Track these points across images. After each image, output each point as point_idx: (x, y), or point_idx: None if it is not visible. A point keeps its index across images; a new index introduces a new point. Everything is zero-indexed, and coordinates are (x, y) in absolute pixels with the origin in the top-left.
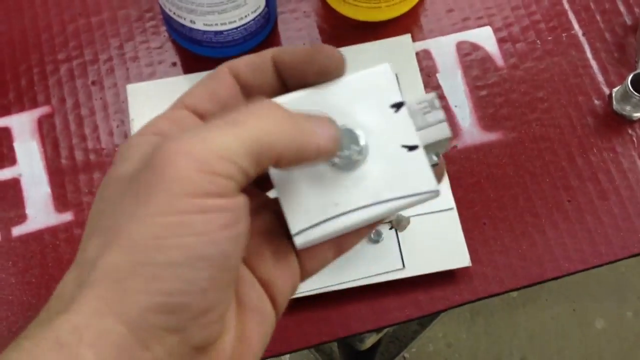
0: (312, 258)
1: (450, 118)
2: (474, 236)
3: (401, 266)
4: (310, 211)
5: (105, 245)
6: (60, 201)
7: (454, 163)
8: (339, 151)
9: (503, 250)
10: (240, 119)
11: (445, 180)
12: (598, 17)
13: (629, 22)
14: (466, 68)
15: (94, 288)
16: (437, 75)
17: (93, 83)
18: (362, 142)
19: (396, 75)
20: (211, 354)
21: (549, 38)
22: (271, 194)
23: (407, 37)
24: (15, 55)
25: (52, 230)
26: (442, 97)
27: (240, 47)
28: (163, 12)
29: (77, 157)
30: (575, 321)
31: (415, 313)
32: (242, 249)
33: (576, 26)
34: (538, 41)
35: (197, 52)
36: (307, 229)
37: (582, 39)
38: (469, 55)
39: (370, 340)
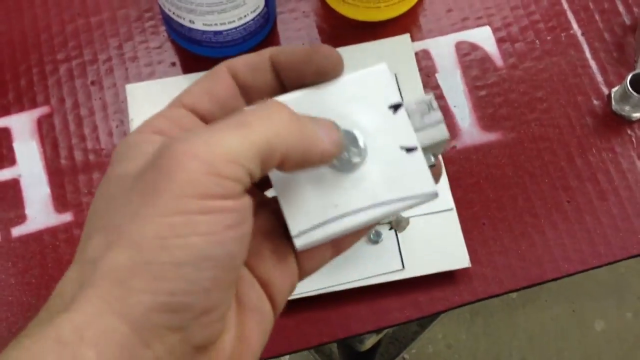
0: (310, 258)
1: (450, 118)
2: (474, 237)
3: (401, 267)
4: (310, 213)
5: (108, 244)
6: (60, 201)
7: (454, 163)
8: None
9: (502, 251)
10: (249, 121)
11: (445, 181)
12: (597, 17)
13: (627, 22)
14: (465, 68)
15: (96, 287)
16: (436, 75)
17: (92, 83)
18: (361, 143)
19: (395, 75)
20: (211, 353)
21: (548, 38)
22: (269, 193)
23: (406, 37)
24: (15, 56)
25: (52, 231)
26: (441, 97)
27: (240, 47)
28: (162, 12)
29: (77, 157)
30: (575, 322)
31: (415, 314)
32: (246, 249)
33: (575, 26)
34: (537, 41)
35: (196, 52)
36: (307, 230)
37: (581, 39)
38: (468, 55)
39: (370, 341)
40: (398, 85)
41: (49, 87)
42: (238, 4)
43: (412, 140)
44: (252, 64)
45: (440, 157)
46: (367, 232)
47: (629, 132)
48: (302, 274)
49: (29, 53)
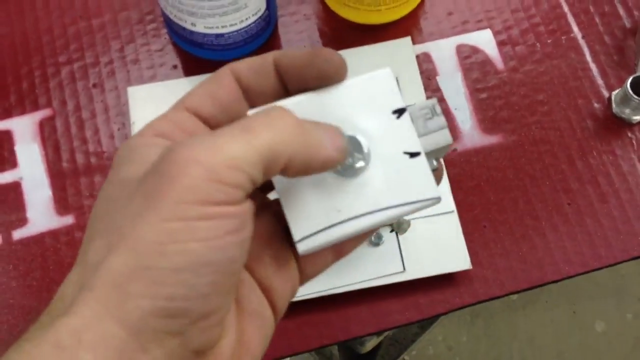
0: (312, 262)
1: (451, 121)
2: (474, 239)
3: (402, 269)
4: (313, 218)
5: (109, 248)
6: (62, 204)
7: (454, 166)
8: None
9: (503, 253)
10: (251, 127)
11: (446, 183)
12: (597, 20)
13: (628, 25)
14: (466, 71)
15: (94, 291)
16: (437, 78)
17: (94, 86)
18: (365, 149)
19: (397, 79)
20: (210, 358)
21: (549, 41)
22: (271, 195)
23: (407, 40)
24: (17, 58)
25: (53, 234)
26: (442, 100)
27: (241, 50)
28: (164, 14)
29: (78, 160)
30: (575, 323)
31: (415, 316)
32: (246, 254)
33: (575, 29)
34: (538, 44)
35: (197, 55)
36: (310, 235)
37: (582, 42)
38: (469, 58)
39: (370, 344)
40: (399, 88)
41: (51, 89)
42: (239, 7)
43: (416, 145)
44: (255, 68)
45: (441, 160)
46: (368, 237)
47: (629, 134)
48: (304, 279)
49: (31, 56)
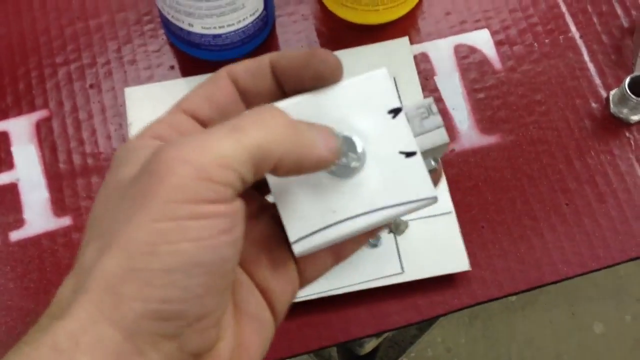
0: (311, 265)
1: (448, 121)
2: (472, 240)
3: (400, 270)
4: (309, 219)
5: (102, 250)
6: (59, 205)
7: (452, 166)
8: (339, 159)
9: (501, 254)
10: (241, 125)
11: (444, 184)
12: (595, 20)
13: (625, 24)
14: (464, 71)
15: (88, 294)
16: (435, 78)
17: (91, 86)
18: (359, 149)
19: (394, 79)
20: None
21: (546, 41)
22: (270, 197)
23: (404, 40)
24: (14, 59)
25: (51, 235)
26: (439, 100)
27: (239, 50)
28: (161, 15)
29: (75, 161)
30: (574, 325)
31: (414, 317)
32: (238, 253)
33: (573, 29)
34: (535, 44)
35: (195, 55)
36: (305, 236)
37: (579, 42)
38: (467, 58)
39: (370, 345)
40: (397, 89)
41: (48, 90)
42: (237, 7)
43: (412, 145)
44: (252, 70)
45: (440, 160)
46: (367, 240)
47: (627, 134)
48: (303, 282)
49: (28, 56)
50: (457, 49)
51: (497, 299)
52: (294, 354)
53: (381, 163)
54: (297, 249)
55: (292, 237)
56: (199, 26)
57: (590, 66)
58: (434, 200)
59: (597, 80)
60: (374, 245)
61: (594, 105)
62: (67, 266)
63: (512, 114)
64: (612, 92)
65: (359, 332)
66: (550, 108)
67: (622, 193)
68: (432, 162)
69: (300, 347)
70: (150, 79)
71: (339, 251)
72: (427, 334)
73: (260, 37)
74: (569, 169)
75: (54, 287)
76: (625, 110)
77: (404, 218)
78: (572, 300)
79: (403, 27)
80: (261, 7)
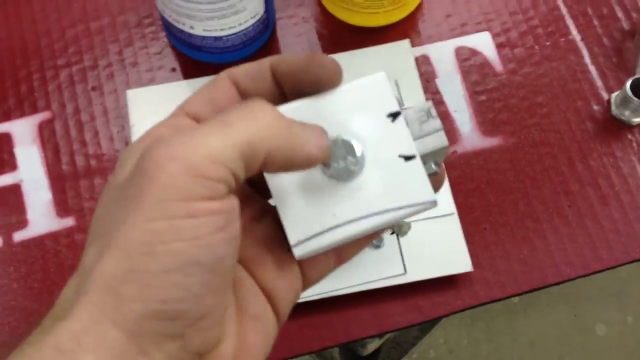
0: (314, 267)
1: (450, 123)
2: (475, 241)
3: (402, 271)
4: (309, 222)
5: (101, 251)
6: (62, 207)
7: (455, 168)
8: (334, 162)
9: (504, 256)
10: (230, 120)
11: (446, 186)
12: (596, 22)
13: (626, 27)
14: (465, 73)
15: (89, 295)
16: (436, 80)
17: (93, 89)
18: (358, 153)
19: (396, 81)
20: None
21: (547, 43)
22: (272, 200)
23: (405, 43)
24: (15, 61)
25: (54, 236)
26: (441, 102)
27: (240, 53)
28: (162, 17)
29: (78, 163)
30: (576, 326)
31: (416, 318)
32: (236, 251)
33: (574, 31)
34: (536, 46)
35: (196, 58)
36: (305, 240)
37: (580, 44)
38: (468, 61)
39: (372, 345)
40: (399, 91)
41: (50, 92)
42: (238, 10)
43: (411, 148)
44: (252, 73)
45: (442, 164)
46: (369, 242)
47: (629, 136)
48: (306, 283)
49: (30, 59)
50: (458, 51)
51: (499, 300)
52: (296, 355)
53: (381, 167)
54: (298, 252)
55: (292, 240)
56: (200, 29)
57: (592, 68)
58: (433, 204)
59: (599, 83)
60: (377, 246)
61: (595, 107)
62: (70, 267)
63: (514, 116)
64: (613, 95)
65: (360, 332)
66: (551, 110)
67: (625, 195)
68: (433, 166)
69: (302, 347)
70: (151, 81)
71: (342, 253)
72: (429, 335)
73: (261, 40)
74: (571, 171)
75: (57, 288)
76: (627, 113)
77: (407, 219)
78: (574, 301)
79: (404, 29)
80: (262, 9)
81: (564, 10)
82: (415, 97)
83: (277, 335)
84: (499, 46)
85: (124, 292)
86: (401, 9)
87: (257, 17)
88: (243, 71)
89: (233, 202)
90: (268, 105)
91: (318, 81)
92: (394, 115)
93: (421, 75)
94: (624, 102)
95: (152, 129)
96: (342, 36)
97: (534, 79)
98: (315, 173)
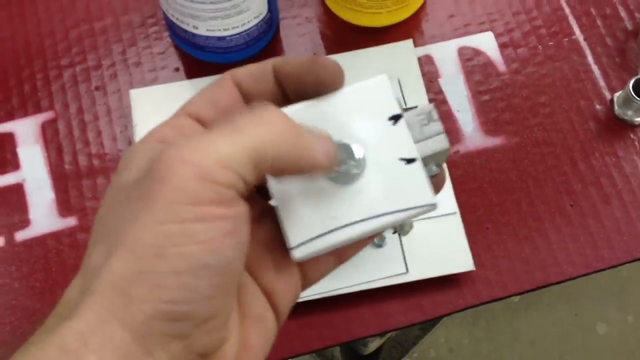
0: (313, 267)
1: (453, 123)
2: (477, 240)
3: (404, 270)
4: (309, 224)
5: (109, 252)
6: (64, 206)
7: (457, 168)
8: (336, 166)
9: (506, 255)
10: (241, 125)
11: (448, 185)
12: (599, 22)
13: (629, 27)
14: (468, 73)
15: (97, 295)
16: (439, 80)
17: (96, 88)
18: (359, 156)
19: (399, 81)
20: None
21: (551, 43)
22: (272, 202)
23: (408, 42)
24: (19, 61)
25: (56, 235)
26: (444, 102)
27: (243, 53)
28: (166, 17)
29: (81, 162)
30: (577, 326)
31: (418, 317)
32: (244, 255)
33: (577, 31)
34: (539, 46)
35: (199, 58)
36: (305, 242)
37: (584, 44)
38: (471, 61)
39: (374, 344)
40: (402, 91)
41: (53, 92)
42: (242, 10)
43: (412, 151)
44: (255, 74)
45: (444, 165)
46: (369, 243)
47: (631, 136)
48: (306, 283)
49: (33, 59)
50: (461, 51)
51: (501, 298)
52: (297, 354)
53: (381, 170)
54: (297, 254)
55: (291, 242)
56: (203, 28)
57: (595, 68)
58: (433, 207)
59: (601, 83)
60: (379, 245)
61: (598, 107)
62: (72, 266)
63: (517, 116)
64: (616, 94)
65: (362, 332)
66: (554, 110)
67: (627, 194)
68: (434, 168)
69: (303, 346)
70: (155, 81)
71: (342, 253)
72: (430, 335)
73: (264, 40)
74: (573, 171)
75: (59, 287)
76: (629, 112)
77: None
78: (575, 301)
79: (407, 29)
80: (265, 9)
81: (567, 10)
82: (418, 97)
83: (277, 334)
84: (502, 46)
85: (133, 293)
86: (404, 9)
87: (261, 17)
88: (246, 72)
89: (242, 207)
90: (278, 111)
91: (320, 83)
92: (396, 118)
93: (424, 75)
94: (627, 101)
95: (154, 130)
96: (346, 36)
97: (536, 78)
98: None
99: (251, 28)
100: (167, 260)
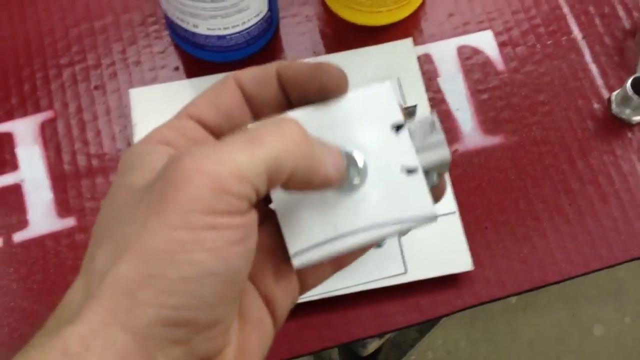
0: (312, 273)
1: (452, 122)
2: (476, 240)
3: (403, 271)
4: (309, 232)
5: (116, 255)
6: (63, 206)
7: (456, 167)
8: (345, 180)
9: (505, 254)
10: (259, 137)
11: (448, 184)
12: (597, 21)
13: (628, 26)
14: (467, 72)
15: (101, 298)
16: (438, 79)
17: (96, 88)
18: (360, 164)
19: (398, 80)
20: None
21: (549, 42)
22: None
23: (408, 41)
24: (18, 60)
25: (54, 236)
26: (443, 101)
27: (243, 52)
28: (166, 16)
29: (80, 162)
30: (574, 327)
31: (417, 318)
32: (250, 264)
33: (576, 30)
34: (538, 45)
35: (199, 57)
36: (305, 250)
37: (582, 43)
38: (470, 59)
39: (373, 345)
40: (401, 89)
41: (52, 91)
42: (242, 9)
43: (413, 161)
44: (258, 78)
45: (447, 175)
46: (368, 250)
47: (629, 135)
48: (304, 288)
49: (32, 58)
50: (460, 50)
51: (500, 298)
52: (295, 355)
53: (383, 179)
54: (297, 262)
55: (291, 250)
56: (203, 27)
57: (593, 67)
58: (433, 219)
59: (600, 81)
60: (378, 246)
61: (596, 106)
62: (71, 267)
63: (516, 114)
64: (614, 93)
65: (361, 332)
66: (553, 109)
67: (625, 193)
68: (435, 178)
69: (302, 347)
70: (154, 80)
71: (340, 260)
72: (428, 337)
73: (264, 39)
74: (571, 170)
75: (58, 289)
76: (627, 111)
77: None
78: (572, 302)
79: (406, 28)
80: (265, 8)
81: (565, 9)
82: (418, 95)
83: (274, 339)
84: (501, 45)
85: (139, 297)
86: (404, 7)
87: (261, 16)
88: (249, 75)
89: (252, 217)
90: (295, 123)
91: (324, 89)
92: (398, 127)
93: (423, 73)
94: (625, 100)
95: (155, 130)
96: (345, 35)
97: (535, 77)
98: None
99: (251, 27)
100: (177, 266)
